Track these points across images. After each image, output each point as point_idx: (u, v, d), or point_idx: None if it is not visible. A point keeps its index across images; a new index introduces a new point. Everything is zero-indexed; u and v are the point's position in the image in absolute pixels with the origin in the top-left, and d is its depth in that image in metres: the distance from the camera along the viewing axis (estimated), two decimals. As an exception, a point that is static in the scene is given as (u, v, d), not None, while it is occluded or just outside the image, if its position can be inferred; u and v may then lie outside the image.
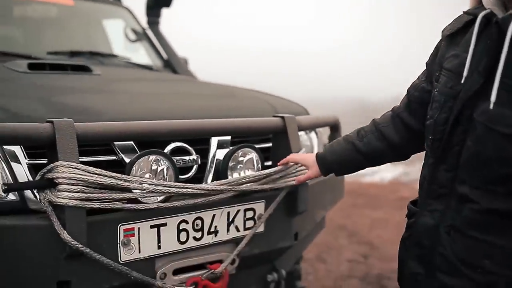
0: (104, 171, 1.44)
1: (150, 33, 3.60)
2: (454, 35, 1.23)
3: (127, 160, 1.61)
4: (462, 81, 1.11)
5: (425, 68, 1.39)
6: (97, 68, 2.41)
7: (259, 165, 1.91)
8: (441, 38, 1.30)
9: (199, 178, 1.82)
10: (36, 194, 1.48)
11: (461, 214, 1.14)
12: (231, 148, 1.86)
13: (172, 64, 3.45)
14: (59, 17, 3.22)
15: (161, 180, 1.61)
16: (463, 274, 1.13)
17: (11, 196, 1.47)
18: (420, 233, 1.26)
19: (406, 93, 1.46)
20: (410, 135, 1.44)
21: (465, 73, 1.11)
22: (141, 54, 3.49)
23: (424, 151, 1.42)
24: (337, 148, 1.59)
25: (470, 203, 1.11)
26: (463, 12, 1.23)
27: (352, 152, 1.54)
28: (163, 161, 1.63)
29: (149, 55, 3.47)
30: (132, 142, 1.64)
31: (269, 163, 2.00)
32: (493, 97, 1.02)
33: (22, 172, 1.47)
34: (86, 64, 2.40)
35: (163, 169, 1.63)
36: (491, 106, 1.02)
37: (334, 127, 2.47)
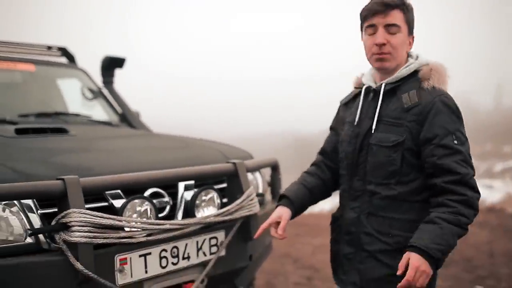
0: (105, 215, 1.88)
1: (105, 91, 4.04)
2: (347, 103, 1.99)
3: (116, 204, 2.05)
4: (355, 124, 1.84)
5: (331, 129, 2.07)
6: (70, 128, 2.82)
7: (218, 201, 2.40)
8: (339, 105, 2.04)
9: (171, 215, 2.27)
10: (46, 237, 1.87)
11: (372, 204, 1.79)
12: (195, 190, 2.34)
13: (127, 118, 3.90)
14: (24, 81, 3.60)
15: (145, 219, 2.06)
16: (381, 241, 1.75)
17: (29, 240, 1.85)
18: (348, 224, 1.86)
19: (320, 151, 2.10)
20: (331, 174, 2.06)
21: (356, 119, 1.84)
22: (97, 111, 3.91)
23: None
24: (294, 188, 2.04)
25: (376, 195, 1.78)
26: (354, 87, 1.97)
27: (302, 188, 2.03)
28: (145, 203, 2.08)
29: (105, 111, 3.89)
30: (119, 190, 2.08)
31: (226, 200, 2.49)
32: (378, 128, 1.77)
33: (36, 220, 1.87)
34: (62, 126, 2.81)
35: (146, 209, 2.08)
36: (378, 133, 1.76)
37: (274, 167, 3.02)
